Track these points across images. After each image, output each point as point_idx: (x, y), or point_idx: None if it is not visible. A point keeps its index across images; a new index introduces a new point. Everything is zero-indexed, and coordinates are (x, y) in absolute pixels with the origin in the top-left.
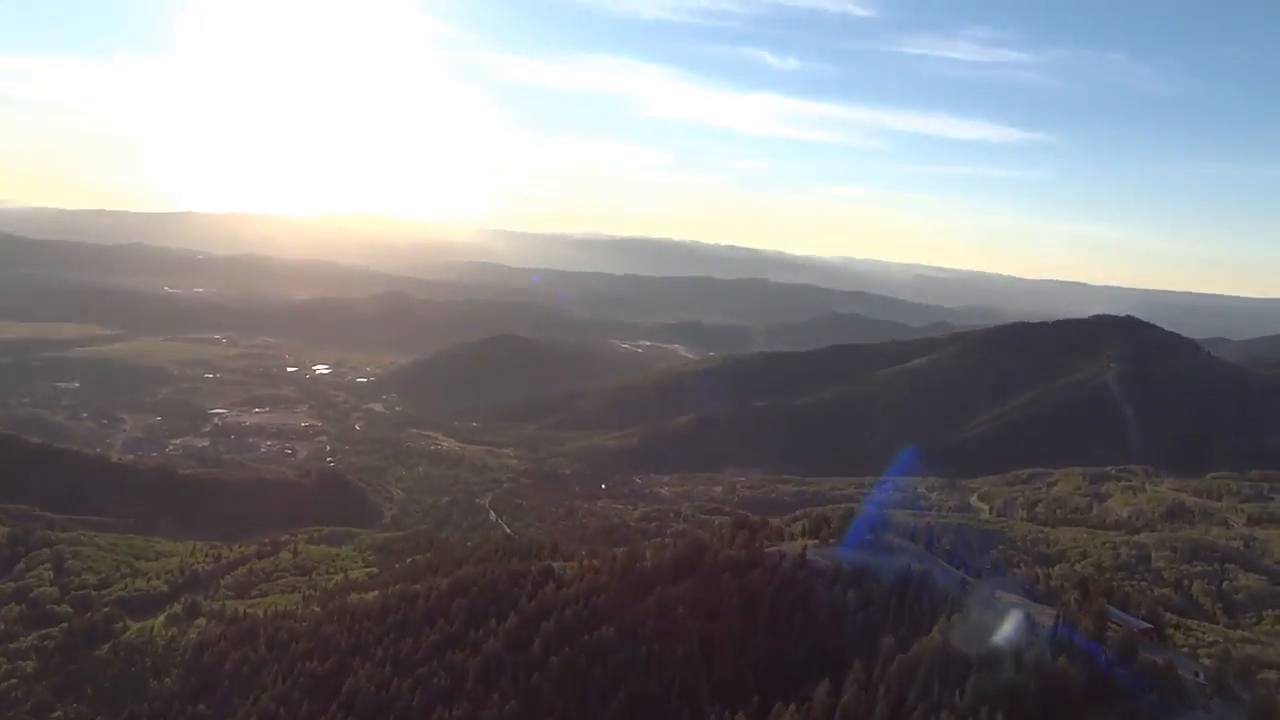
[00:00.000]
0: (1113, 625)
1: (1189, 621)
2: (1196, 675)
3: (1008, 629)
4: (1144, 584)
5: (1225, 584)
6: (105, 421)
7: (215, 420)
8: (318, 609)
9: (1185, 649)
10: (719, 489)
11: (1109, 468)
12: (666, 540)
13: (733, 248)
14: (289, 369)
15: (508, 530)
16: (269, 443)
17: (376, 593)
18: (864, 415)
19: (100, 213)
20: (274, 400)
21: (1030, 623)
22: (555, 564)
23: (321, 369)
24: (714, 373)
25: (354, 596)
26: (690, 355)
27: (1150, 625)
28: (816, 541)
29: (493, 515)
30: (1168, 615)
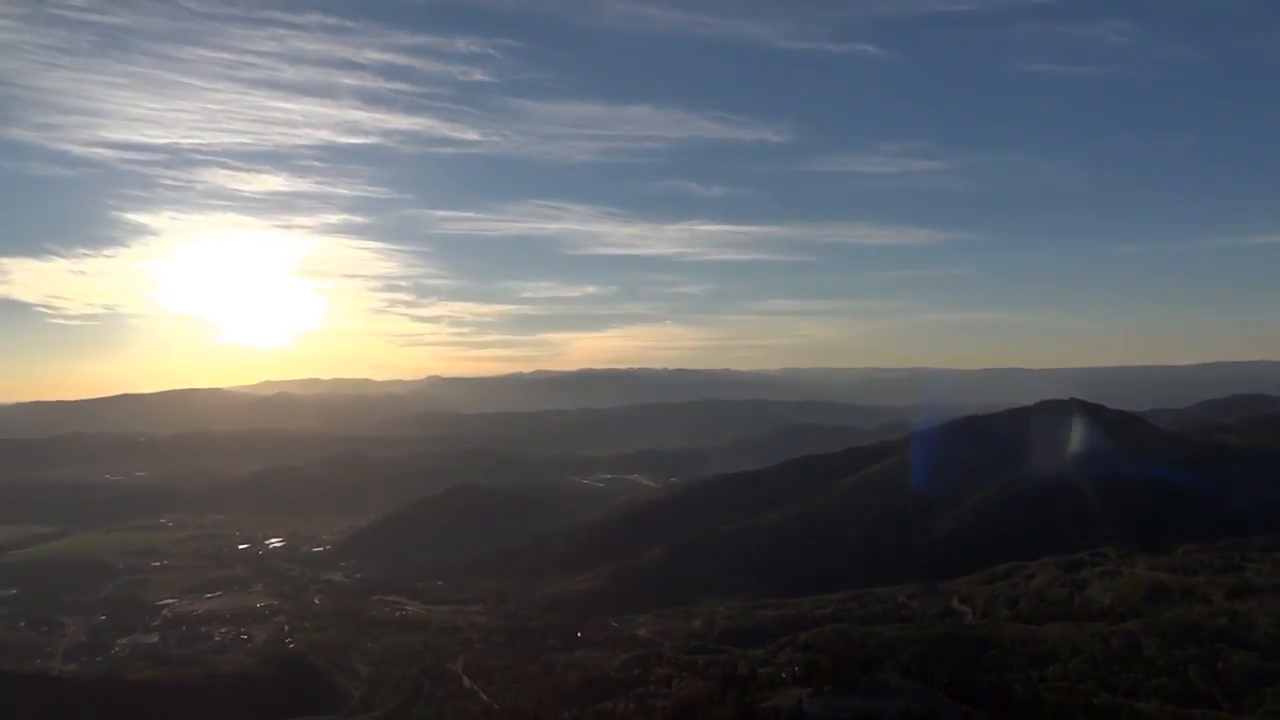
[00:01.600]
0: None
1: (1193, 713)
2: None
3: None
4: (1141, 675)
5: (1219, 665)
6: (45, 629)
7: (164, 612)
8: None
9: None
10: (698, 622)
11: (1083, 553)
12: (651, 689)
13: (681, 371)
14: (240, 546)
15: (484, 697)
16: (223, 630)
17: None
18: (831, 528)
19: (37, 405)
20: (226, 582)
21: None
22: None
23: (274, 543)
24: (678, 501)
25: None
26: (651, 484)
27: None
28: (810, 689)
29: (466, 681)
30: (1174, 708)
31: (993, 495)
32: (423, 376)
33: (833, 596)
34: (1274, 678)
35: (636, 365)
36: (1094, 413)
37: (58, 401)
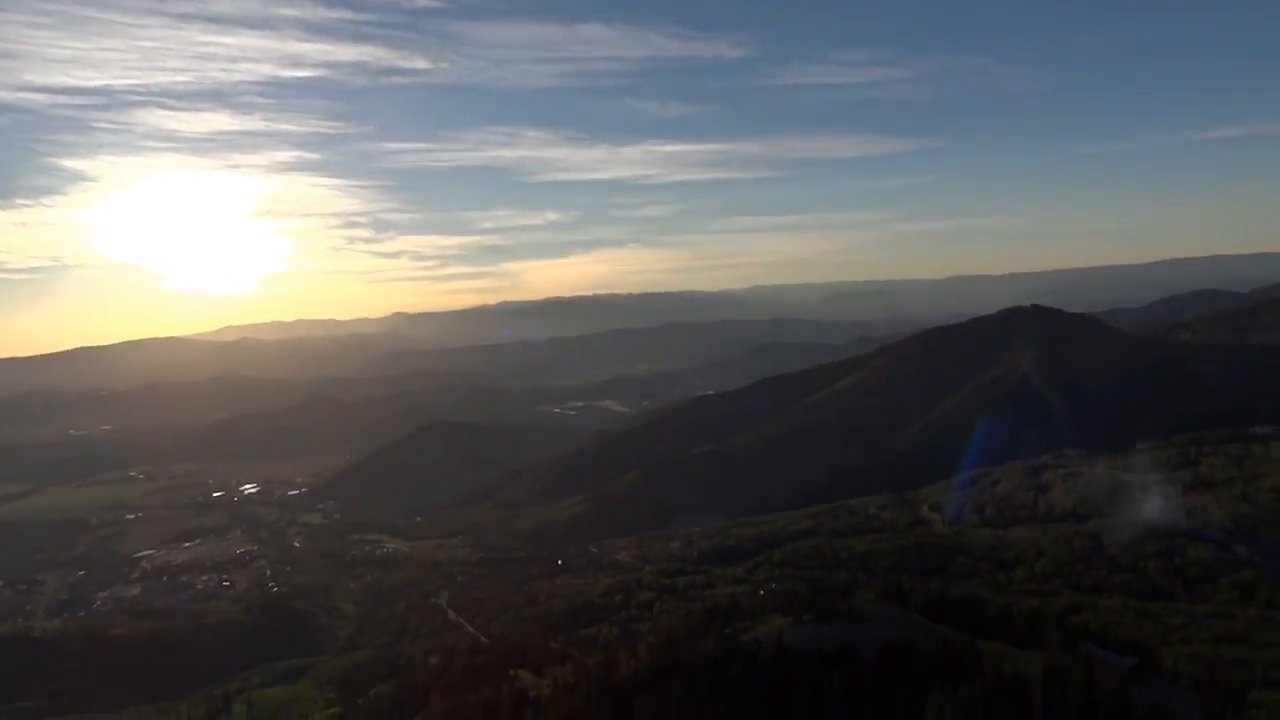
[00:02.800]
0: (1100, 667)
1: (1153, 605)
2: (1193, 713)
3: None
4: (1104, 572)
5: (1178, 559)
6: (23, 587)
7: (143, 564)
8: None
9: (1171, 670)
10: (676, 544)
11: (1045, 457)
12: (634, 614)
13: (646, 295)
14: (214, 494)
15: (470, 629)
16: (204, 578)
17: None
18: (803, 445)
19: None
20: (203, 531)
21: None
22: (528, 685)
23: (249, 489)
24: (650, 426)
25: None
26: (624, 410)
27: (1137, 660)
28: (791, 619)
29: (452, 615)
30: (1136, 603)
31: (957, 405)
32: (388, 313)
33: (806, 511)
34: (1229, 568)
35: (603, 291)
36: (1054, 318)
37: (10, 359)
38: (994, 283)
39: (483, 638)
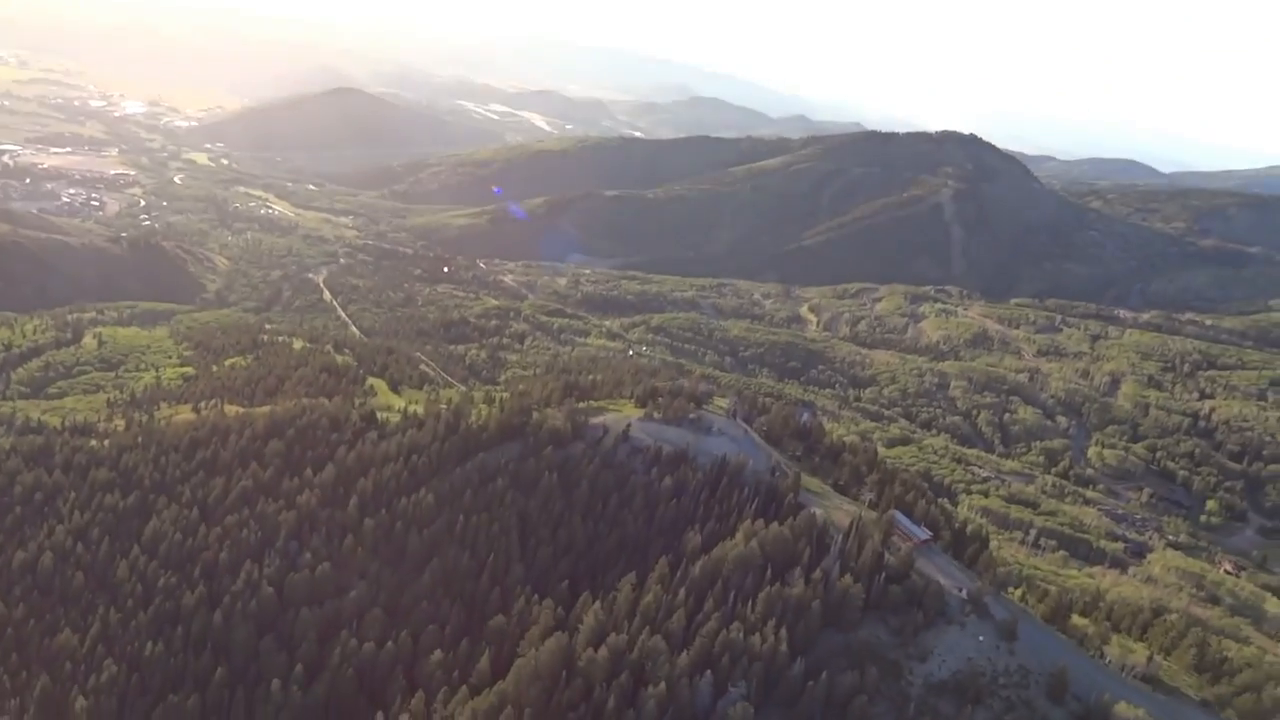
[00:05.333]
0: (899, 533)
1: (970, 452)
2: (960, 591)
3: None
4: (940, 411)
5: (1006, 416)
6: None
7: (6, 159)
8: (121, 425)
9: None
10: (563, 281)
11: (929, 287)
12: (504, 343)
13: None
14: (93, 103)
15: (343, 314)
16: (72, 191)
17: (189, 413)
18: (713, 213)
19: None
20: (76, 140)
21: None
22: (379, 407)
23: (134, 106)
24: (570, 155)
25: (162, 414)
26: (546, 127)
27: (931, 535)
28: (642, 414)
29: (327, 295)
30: (955, 447)
31: (868, 215)
32: None
33: (696, 280)
34: (1044, 434)
35: None
36: (986, 153)
37: None
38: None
39: (353, 326)
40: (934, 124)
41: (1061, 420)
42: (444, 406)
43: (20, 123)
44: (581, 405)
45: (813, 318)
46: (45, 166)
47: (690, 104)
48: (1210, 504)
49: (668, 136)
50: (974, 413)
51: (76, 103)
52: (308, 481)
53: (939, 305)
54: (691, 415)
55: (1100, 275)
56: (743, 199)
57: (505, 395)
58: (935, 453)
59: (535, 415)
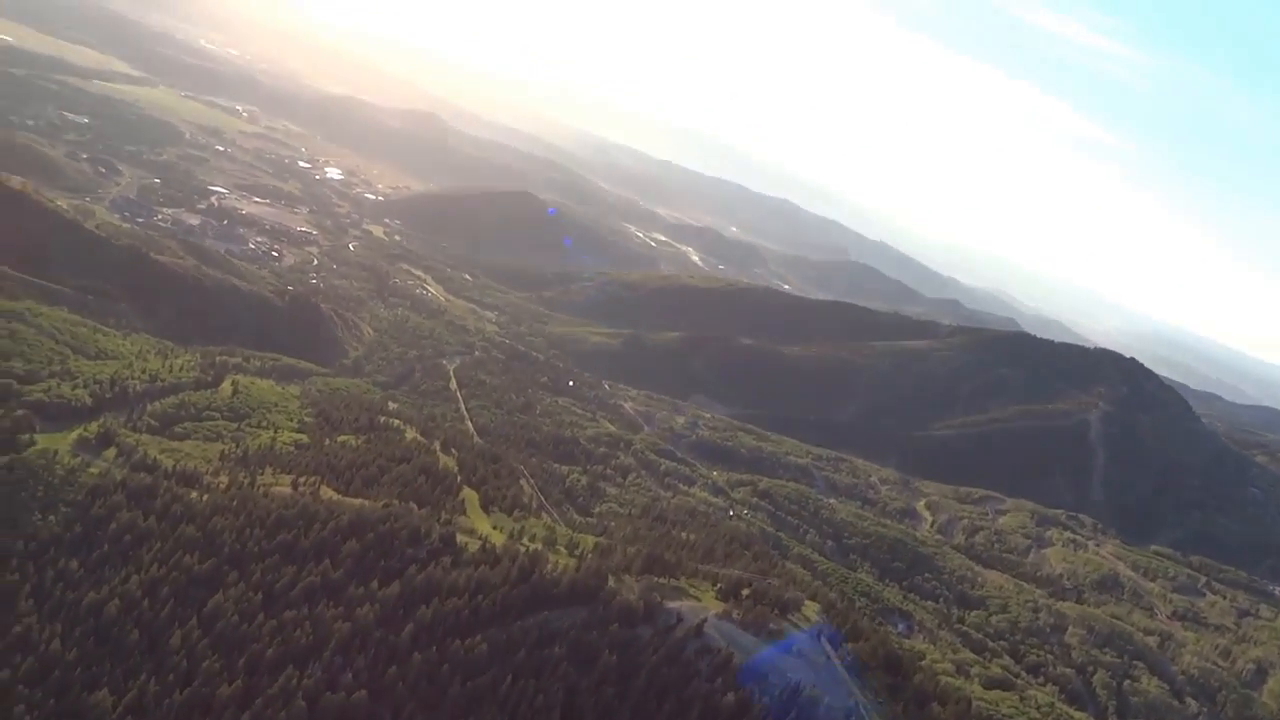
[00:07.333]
0: None
1: (1080, 716)
2: None
3: None
4: (1051, 658)
5: (1127, 683)
6: (103, 170)
7: (213, 199)
8: (224, 482)
9: None
10: (681, 420)
11: (1060, 511)
12: (607, 472)
13: (777, 163)
14: (301, 164)
15: (464, 408)
16: (259, 239)
17: (287, 485)
18: (845, 382)
19: None
20: (276, 194)
21: None
22: (461, 529)
23: (333, 173)
24: (715, 295)
25: (264, 480)
26: (701, 263)
27: None
28: (721, 609)
29: (453, 385)
30: (1063, 707)
31: (1007, 418)
32: (526, 75)
33: (814, 449)
34: (1169, 716)
35: (737, 143)
36: (1145, 379)
37: None
38: (1104, 306)
39: (469, 422)
40: (1092, 330)
41: (1191, 704)
42: (523, 548)
43: (235, 169)
44: (660, 582)
45: (928, 515)
46: (244, 212)
47: (844, 266)
48: None
49: (815, 294)
50: (1090, 669)
51: (286, 160)
52: (372, 593)
53: (1068, 534)
54: (773, 625)
55: (1258, 539)
56: (878, 374)
57: (589, 543)
58: (1039, 708)
59: (611, 583)
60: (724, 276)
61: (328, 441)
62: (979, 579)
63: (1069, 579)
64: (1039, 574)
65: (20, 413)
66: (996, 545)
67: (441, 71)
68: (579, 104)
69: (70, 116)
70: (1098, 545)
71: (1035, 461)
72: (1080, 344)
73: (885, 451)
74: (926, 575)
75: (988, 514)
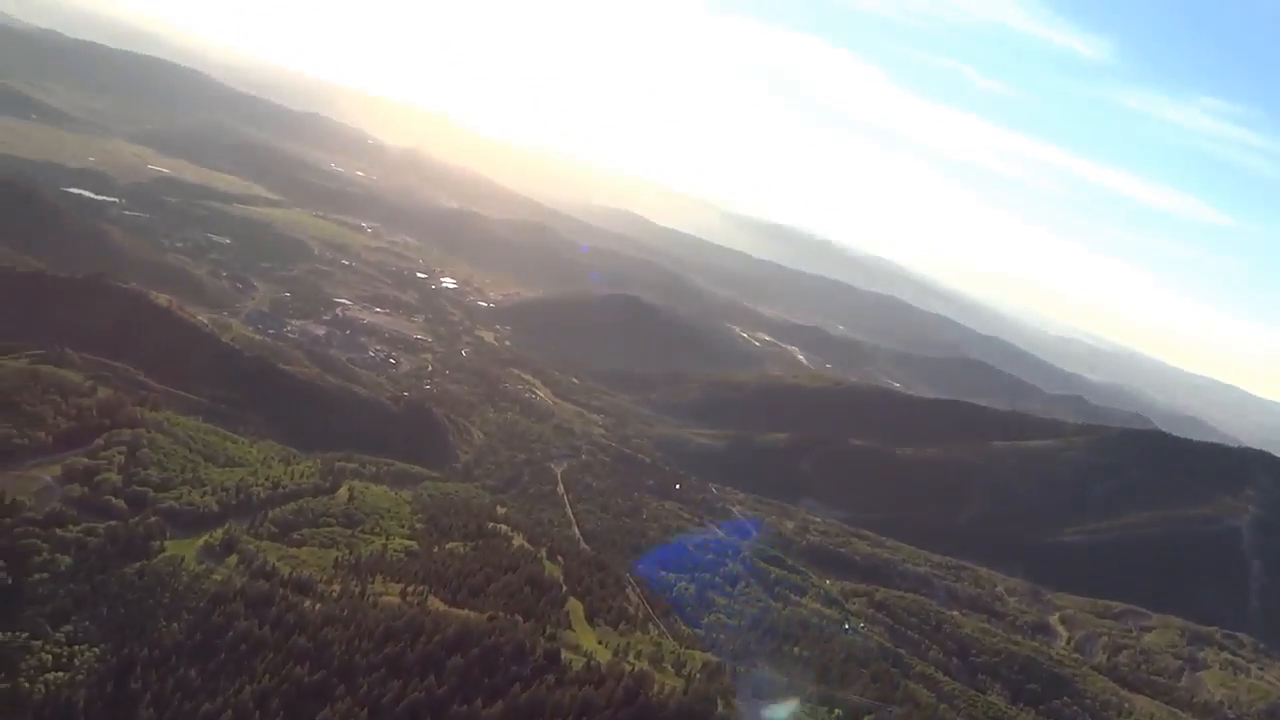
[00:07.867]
0: None
1: None
2: None
3: None
4: None
5: None
6: (240, 286)
7: (337, 310)
8: (336, 590)
9: None
10: (791, 525)
11: (1215, 628)
12: (715, 579)
13: (880, 259)
14: (418, 274)
15: (570, 511)
16: (378, 347)
17: (395, 595)
18: (964, 485)
19: (281, 71)
20: (395, 303)
21: None
22: (565, 644)
23: (448, 283)
24: (824, 394)
25: (375, 588)
26: (807, 362)
27: None
28: None
29: (560, 489)
30: None
31: (1146, 523)
32: (630, 175)
33: (934, 556)
34: None
35: (838, 239)
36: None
37: (299, 73)
38: (1247, 401)
39: (576, 527)
40: (1235, 427)
41: None
42: (629, 666)
43: (358, 281)
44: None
45: (1063, 631)
46: (365, 321)
47: (956, 364)
48: None
49: (926, 393)
50: None
51: (405, 272)
52: (475, 712)
53: (1225, 654)
54: None
55: None
56: (1000, 476)
57: (697, 660)
58: None
59: (721, 707)
60: (831, 375)
61: (436, 549)
62: (1126, 705)
63: (1231, 707)
64: (1195, 700)
65: (153, 519)
66: (1144, 666)
67: (539, 165)
68: (677, 202)
69: (214, 238)
70: (1261, 669)
71: (1179, 572)
72: (1223, 443)
73: (1009, 559)
74: (1066, 699)
75: (1131, 631)
